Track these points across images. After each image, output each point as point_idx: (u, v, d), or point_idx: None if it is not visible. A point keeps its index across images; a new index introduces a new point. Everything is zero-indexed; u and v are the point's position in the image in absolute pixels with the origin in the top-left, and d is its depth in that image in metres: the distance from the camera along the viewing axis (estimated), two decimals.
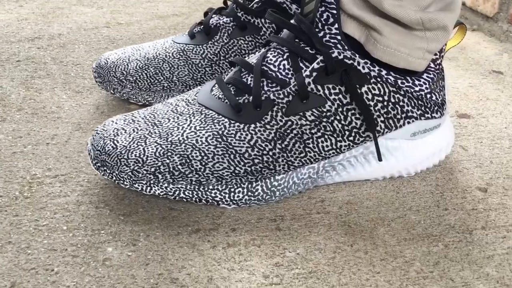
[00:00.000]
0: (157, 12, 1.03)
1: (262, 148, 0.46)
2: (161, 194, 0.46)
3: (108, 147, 0.45)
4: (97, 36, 0.88)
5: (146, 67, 0.62)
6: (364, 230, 0.46)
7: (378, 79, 0.47)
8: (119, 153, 0.45)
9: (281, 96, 0.46)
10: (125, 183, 0.45)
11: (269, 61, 0.48)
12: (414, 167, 0.52)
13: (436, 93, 0.51)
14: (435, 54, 0.50)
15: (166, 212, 0.47)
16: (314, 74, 0.46)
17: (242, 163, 0.46)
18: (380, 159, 0.48)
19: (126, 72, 0.62)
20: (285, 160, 0.47)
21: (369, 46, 0.47)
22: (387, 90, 0.48)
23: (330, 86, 0.46)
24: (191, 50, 0.63)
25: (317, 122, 0.47)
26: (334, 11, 0.45)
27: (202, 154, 0.45)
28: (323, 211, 0.48)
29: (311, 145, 0.47)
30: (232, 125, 0.46)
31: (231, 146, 0.46)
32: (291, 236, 0.45)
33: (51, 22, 0.95)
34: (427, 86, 0.50)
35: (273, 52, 0.49)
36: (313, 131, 0.47)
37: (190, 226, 0.45)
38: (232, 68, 0.51)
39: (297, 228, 0.46)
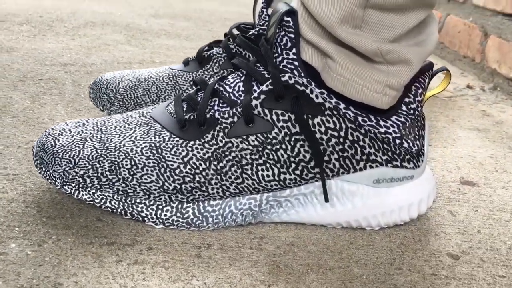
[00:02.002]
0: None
1: (195, 166, 0.43)
2: (88, 200, 0.44)
3: (47, 145, 0.45)
4: (125, 69, 0.91)
5: (136, 87, 0.62)
6: (292, 274, 0.41)
7: (334, 112, 0.43)
8: (55, 151, 0.44)
9: (226, 115, 0.43)
10: (57, 183, 0.44)
11: (226, 82, 0.46)
12: (376, 219, 0.47)
13: (409, 141, 0.46)
14: (408, 97, 0.46)
15: (91, 221, 0.44)
16: (262, 96, 0.43)
17: (171, 179, 0.43)
18: (326, 200, 0.44)
19: (116, 90, 0.63)
20: (219, 184, 0.43)
21: (324, 74, 0.43)
22: (343, 126, 0.43)
23: (279, 112, 0.43)
24: (181, 76, 0.62)
25: (260, 148, 0.43)
26: (292, 35, 0.43)
27: (132, 163, 0.43)
28: (257, 247, 0.43)
29: (249, 172, 0.43)
30: (171, 139, 0.44)
31: (163, 160, 0.43)
32: (208, 265, 0.40)
33: (91, 54, 1.00)
34: (396, 130, 0.45)
35: (234, 74, 0.47)
36: (253, 157, 0.43)
37: (107, 238, 0.42)
38: (194, 87, 0.50)
39: (219, 259, 0.41)
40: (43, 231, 0.42)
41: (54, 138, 0.45)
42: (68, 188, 0.44)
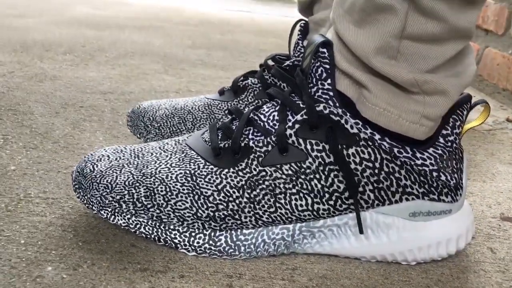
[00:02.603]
0: None
1: (229, 194, 0.43)
2: (123, 225, 0.44)
3: (86, 170, 0.46)
4: (162, 97, 0.93)
5: (172, 116, 0.64)
6: None
7: (369, 143, 0.43)
8: (93, 176, 0.45)
9: (260, 144, 0.44)
10: (94, 208, 0.45)
11: (261, 111, 0.46)
12: (412, 253, 0.45)
13: (447, 174, 0.45)
14: (445, 129, 0.45)
15: (125, 247, 0.45)
16: (297, 126, 0.43)
17: (205, 206, 0.43)
18: (361, 232, 0.43)
19: (153, 118, 0.64)
20: (252, 212, 0.43)
21: (359, 105, 0.43)
22: (379, 157, 0.43)
23: (313, 141, 0.43)
24: (216, 105, 0.63)
25: (293, 178, 0.43)
26: (328, 66, 0.43)
27: (167, 189, 0.44)
28: (289, 279, 0.43)
29: (282, 201, 0.43)
30: (206, 166, 0.44)
31: (198, 187, 0.43)
32: None
33: (129, 82, 1.02)
34: (433, 162, 0.44)
35: (269, 104, 0.47)
36: (287, 186, 0.43)
37: (141, 264, 0.43)
38: (229, 116, 0.50)
39: None
40: (79, 255, 0.43)
41: (93, 164, 0.46)
42: (105, 213, 0.45)
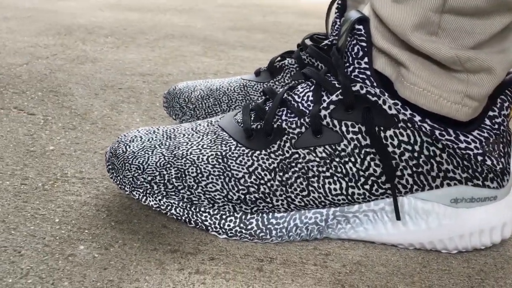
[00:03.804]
0: None
1: (260, 177, 0.42)
2: (154, 206, 0.44)
3: (119, 151, 0.46)
4: (200, 79, 0.93)
5: (207, 97, 0.63)
6: None
7: (409, 125, 0.41)
8: (126, 157, 0.45)
9: (293, 126, 0.42)
10: (126, 188, 0.45)
11: (295, 92, 0.45)
12: (453, 241, 0.43)
13: (494, 158, 0.43)
14: (492, 110, 0.42)
15: (157, 228, 0.45)
16: (332, 107, 0.41)
17: (236, 189, 0.42)
18: (398, 218, 0.41)
19: (188, 99, 0.63)
20: (284, 195, 0.42)
21: (397, 84, 0.41)
22: (418, 139, 0.41)
23: (349, 123, 0.41)
24: (252, 87, 0.62)
25: (327, 161, 0.41)
26: (364, 44, 0.41)
27: (198, 171, 0.43)
28: (322, 264, 0.42)
29: (315, 184, 0.42)
30: (237, 148, 0.43)
31: (229, 169, 0.43)
32: (269, 279, 0.39)
33: (168, 64, 1.02)
34: (478, 145, 0.42)
35: (304, 84, 0.46)
36: (321, 169, 0.42)
37: (171, 245, 0.42)
38: (263, 97, 0.49)
39: (281, 274, 0.40)
40: (111, 235, 0.43)
41: (125, 145, 0.46)
42: (136, 194, 0.44)
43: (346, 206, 0.43)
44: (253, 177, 0.42)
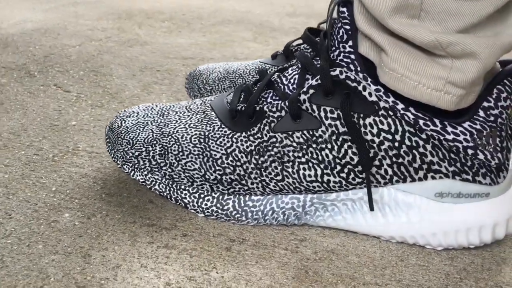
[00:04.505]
0: None
1: (237, 159, 0.42)
2: (141, 180, 0.46)
3: (115, 125, 0.48)
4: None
5: (224, 79, 0.64)
6: (318, 282, 0.38)
7: (390, 113, 0.39)
8: (120, 132, 0.47)
9: (274, 109, 0.42)
10: (118, 162, 0.47)
11: (285, 74, 0.44)
12: (436, 238, 0.41)
13: (488, 153, 0.40)
14: (487, 101, 0.40)
15: (143, 202, 0.46)
16: (311, 91, 0.40)
17: (213, 169, 0.43)
18: (371, 208, 0.40)
19: (206, 81, 0.65)
20: (259, 179, 0.42)
21: (378, 69, 0.39)
22: (400, 129, 0.39)
23: (328, 109, 0.40)
24: (267, 70, 0.62)
25: (304, 146, 0.41)
26: (348, 27, 0.40)
27: (180, 149, 0.44)
28: (293, 249, 0.41)
29: (290, 170, 0.41)
30: (220, 129, 0.44)
31: (208, 149, 0.43)
32: (234, 259, 0.39)
33: (214, 49, 1.04)
34: (468, 138, 0.39)
35: (294, 67, 0.45)
36: (296, 154, 0.41)
37: (150, 220, 0.44)
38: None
39: (248, 255, 0.40)
40: (98, 205, 0.45)
41: (121, 120, 0.48)
42: (127, 168, 0.46)
43: (323, 194, 0.42)
44: (230, 158, 0.43)
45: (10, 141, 0.57)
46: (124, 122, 0.47)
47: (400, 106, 0.39)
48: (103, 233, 0.42)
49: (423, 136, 0.39)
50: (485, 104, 0.40)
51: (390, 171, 0.40)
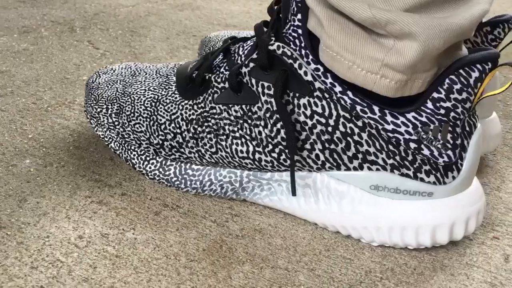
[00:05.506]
0: None
1: (178, 126, 0.42)
2: (101, 137, 0.47)
3: (90, 80, 0.49)
4: None
5: None
6: (226, 258, 0.37)
7: (326, 95, 0.37)
8: (91, 87, 0.49)
9: (219, 80, 0.41)
10: (87, 116, 0.49)
11: (243, 45, 0.43)
12: (368, 232, 0.39)
13: (435, 149, 0.37)
14: (438, 92, 0.36)
15: (104, 159, 0.48)
16: (251, 65, 0.39)
17: (156, 134, 0.43)
18: (293, 193, 0.38)
19: (213, 48, 0.65)
20: (195, 148, 0.42)
21: (320, 47, 0.37)
22: (334, 113, 0.37)
23: (266, 84, 0.39)
24: None
25: (240, 121, 0.40)
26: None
27: (132, 110, 0.45)
28: (221, 223, 0.41)
29: (223, 143, 0.41)
30: (173, 95, 0.44)
31: (156, 113, 0.44)
32: (155, 223, 0.40)
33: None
34: (410, 130, 0.36)
35: (253, 38, 0.44)
36: (231, 128, 0.40)
37: (100, 175, 0.46)
38: None
39: (173, 222, 0.41)
40: (60, 156, 0.48)
41: (98, 75, 0.50)
42: (93, 123, 0.48)
43: (258, 172, 0.41)
44: (172, 125, 0.43)
45: (18, 88, 0.61)
46: (99, 78, 0.49)
47: (338, 88, 0.37)
48: (49, 182, 0.44)
49: (359, 123, 0.37)
50: (435, 95, 0.36)
51: (322, 157, 0.38)
